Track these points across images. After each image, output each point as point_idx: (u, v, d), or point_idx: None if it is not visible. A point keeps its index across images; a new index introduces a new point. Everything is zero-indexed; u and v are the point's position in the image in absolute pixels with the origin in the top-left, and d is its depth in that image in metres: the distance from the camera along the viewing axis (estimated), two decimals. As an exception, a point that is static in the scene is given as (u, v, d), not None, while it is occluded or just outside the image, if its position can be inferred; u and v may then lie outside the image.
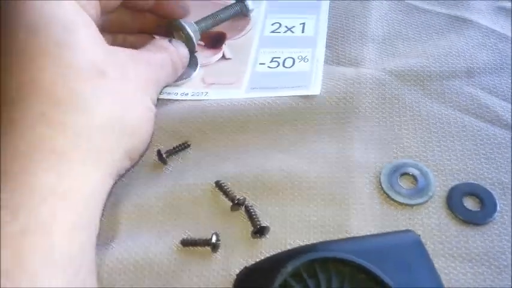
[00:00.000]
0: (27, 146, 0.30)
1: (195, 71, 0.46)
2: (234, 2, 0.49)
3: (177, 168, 0.40)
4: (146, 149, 0.40)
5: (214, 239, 0.35)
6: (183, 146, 0.41)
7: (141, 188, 0.39)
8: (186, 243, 0.36)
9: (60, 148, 0.30)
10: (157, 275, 0.35)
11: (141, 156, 0.39)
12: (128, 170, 0.38)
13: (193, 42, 0.44)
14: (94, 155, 0.32)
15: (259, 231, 0.36)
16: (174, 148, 0.41)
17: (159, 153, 0.40)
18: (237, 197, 0.37)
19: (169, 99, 0.44)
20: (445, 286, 0.32)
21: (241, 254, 0.35)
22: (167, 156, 0.41)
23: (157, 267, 0.35)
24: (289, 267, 0.30)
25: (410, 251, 0.33)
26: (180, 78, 0.45)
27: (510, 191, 0.36)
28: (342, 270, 0.30)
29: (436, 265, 0.33)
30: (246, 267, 0.34)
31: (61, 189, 0.30)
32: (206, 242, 0.36)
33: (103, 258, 0.35)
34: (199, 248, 0.36)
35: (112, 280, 0.35)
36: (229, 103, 0.43)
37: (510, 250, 0.34)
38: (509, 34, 0.46)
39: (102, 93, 0.33)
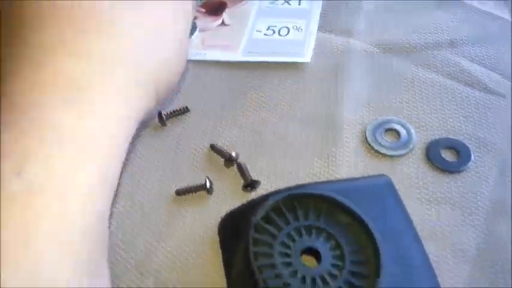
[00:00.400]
0: (42, 76, 0.24)
1: (193, 34, 0.49)
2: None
3: (176, 130, 0.43)
4: (174, 91, 0.38)
5: (208, 184, 0.38)
6: (183, 110, 0.44)
7: (141, 147, 0.42)
8: (181, 192, 0.38)
9: (82, 80, 0.25)
10: (154, 228, 0.37)
11: (166, 97, 0.36)
12: (150, 118, 0.38)
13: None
14: (120, 89, 0.26)
15: (250, 185, 0.38)
16: (174, 111, 0.43)
17: (159, 114, 0.43)
18: (230, 153, 0.39)
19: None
20: (421, 226, 0.34)
21: (233, 206, 0.36)
22: (167, 119, 0.43)
23: (153, 220, 0.37)
24: (271, 201, 0.32)
25: (382, 190, 0.35)
26: None
27: (485, 145, 0.39)
28: (320, 207, 0.32)
29: (412, 208, 0.35)
30: (230, 211, 0.36)
31: (81, 132, 0.23)
32: (200, 187, 0.38)
33: None
34: (193, 197, 0.38)
35: (110, 234, 0.36)
36: (227, 67, 0.46)
37: (482, 195, 0.36)
38: (493, 12, 0.49)
39: (131, 18, 0.28)
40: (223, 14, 0.51)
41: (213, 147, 0.41)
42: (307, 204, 0.32)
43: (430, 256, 0.32)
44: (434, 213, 0.36)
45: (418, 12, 0.50)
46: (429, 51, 0.46)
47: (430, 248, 0.33)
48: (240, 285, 0.31)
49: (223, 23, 0.50)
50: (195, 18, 0.49)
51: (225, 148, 0.40)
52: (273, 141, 0.41)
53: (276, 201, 0.32)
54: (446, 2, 0.50)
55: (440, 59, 0.45)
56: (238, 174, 0.39)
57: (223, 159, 0.40)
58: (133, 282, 0.34)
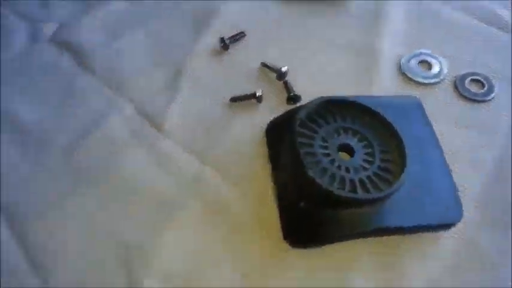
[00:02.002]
0: None
1: None
2: None
3: (235, 52, 0.46)
4: None
5: (259, 92, 0.41)
6: (241, 35, 0.47)
7: (207, 68, 0.45)
8: (235, 99, 0.42)
9: None
10: (210, 126, 0.41)
11: None
12: None
13: None
14: None
15: (293, 99, 0.42)
16: (233, 36, 0.47)
17: (222, 40, 0.46)
18: (281, 68, 0.43)
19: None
20: (446, 143, 0.37)
21: (278, 114, 0.40)
22: (229, 43, 0.46)
23: (211, 120, 0.41)
24: (314, 103, 0.36)
25: (411, 107, 0.38)
26: None
27: (507, 80, 0.42)
28: (356, 113, 0.36)
29: (438, 128, 0.38)
30: (276, 117, 0.40)
31: None
32: (252, 96, 0.41)
33: (168, 111, 0.42)
34: (245, 104, 0.42)
35: (172, 130, 0.41)
36: (280, 2, 0.50)
37: (502, 121, 0.39)
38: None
39: None
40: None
41: (263, 64, 0.44)
42: (345, 110, 0.36)
43: (452, 167, 0.36)
44: (459, 134, 0.38)
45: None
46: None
47: (451, 160, 0.36)
48: (285, 173, 0.35)
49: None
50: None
51: (274, 65, 0.44)
52: (316, 64, 0.44)
53: (319, 103, 0.36)
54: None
55: (476, 5, 0.47)
56: (284, 89, 0.43)
57: (275, 75, 0.43)
58: (193, 167, 0.39)
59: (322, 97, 0.36)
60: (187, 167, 0.39)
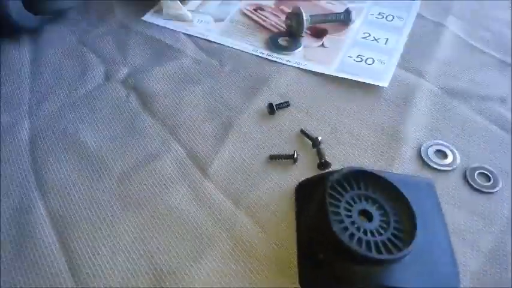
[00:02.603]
0: None
1: (297, 49, 0.60)
2: (343, 12, 0.63)
3: (279, 117, 0.53)
4: None
5: (295, 154, 0.47)
6: (285, 104, 0.54)
7: (254, 128, 0.52)
8: (273, 157, 0.48)
9: None
10: (248, 177, 0.47)
11: None
12: None
13: (303, 26, 0.58)
14: None
15: (323, 165, 0.47)
16: (279, 104, 0.53)
17: (270, 105, 0.52)
18: (317, 137, 0.49)
19: (279, 63, 0.59)
20: (450, 224, 0.42)
21: (308, 176, 0.46)
22: (276, 109, 0.53)
23: (250, 171, 0.47)
24: (345, 170, 0.41)
25: (425, 187, 0.43)
26: (288, 50, 0.59)
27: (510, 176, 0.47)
28: (378, 185, 0.41)
29: (445, 209, 0.43)
30: (306, 178, 0.45)
31: None
32: (289, 156, 0.47)
33: (214, 158, 0.48)
34: (281, 163, 0.48)
35: (215, 175, 0.47)
36: (321, 77, 0.56)
37: (502, 213, 0.44)
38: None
39: None
40: (324, 38, 0.61)
41: (302, 131, 0.50)
42: (369, 180, 0.41)
43: (453, 245, 0.41)
44: (463, 217, 0.43)
45: (480, 68, 0.59)
46: (482, 101, 0.54)
47: (453, 239, 0.41)
48: (309, 227, 0.40)
49: (322, 45, 0.60)
50: (302, 36, 0.60)
51: (311, 134, 0.50)
52: (347, 138, 0.50)
53: (349, 172, 0.41)
54: (505, 64, 0.59)
55: (490, 109, 0.53)
56: (316, 156, 0.48)
57: (310, 142, 0.49)
58: (228, 209, 0.44)
59: (352, 167, 0.42)
60: (223, 208, 0.44)
